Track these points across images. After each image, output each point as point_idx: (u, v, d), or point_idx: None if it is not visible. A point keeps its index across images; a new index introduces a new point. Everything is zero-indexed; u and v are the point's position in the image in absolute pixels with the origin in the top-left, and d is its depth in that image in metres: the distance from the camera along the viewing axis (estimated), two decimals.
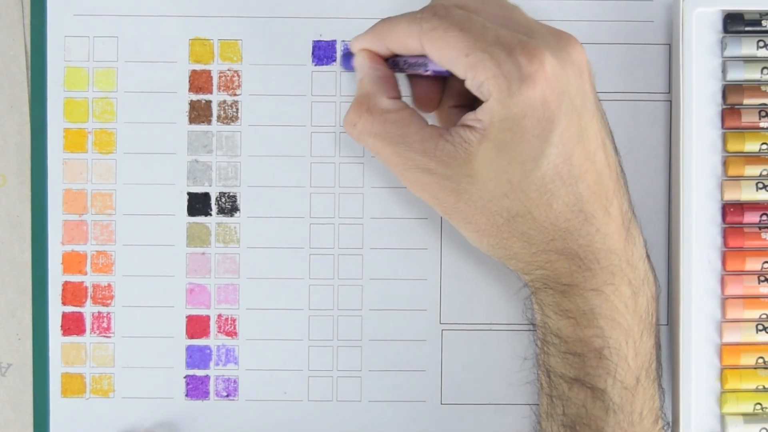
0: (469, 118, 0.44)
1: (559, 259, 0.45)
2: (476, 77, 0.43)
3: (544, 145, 0.43)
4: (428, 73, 0.46)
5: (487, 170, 0.44)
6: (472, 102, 0.46)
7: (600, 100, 0.46)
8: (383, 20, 0.46)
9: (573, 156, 0.43)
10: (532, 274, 0.46)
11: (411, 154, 0.45)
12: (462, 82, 0.44)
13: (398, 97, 0.47)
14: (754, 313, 0.53)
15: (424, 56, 0.46)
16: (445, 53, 0.44)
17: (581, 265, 0.45)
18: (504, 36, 0.43)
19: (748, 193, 0.53)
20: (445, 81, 0.48)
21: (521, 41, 0.43)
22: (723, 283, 0.53)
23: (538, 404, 0.48)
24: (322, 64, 0.55)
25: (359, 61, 0.47)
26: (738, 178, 0.53)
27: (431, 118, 0.48)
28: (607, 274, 0.45)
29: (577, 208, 0.44)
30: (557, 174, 0.43)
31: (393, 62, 0.47)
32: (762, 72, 0.53)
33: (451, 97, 0.48)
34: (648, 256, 0.47)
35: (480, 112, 0.43)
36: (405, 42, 0.45)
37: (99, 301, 0.55)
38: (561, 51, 0.43)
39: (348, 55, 0.48)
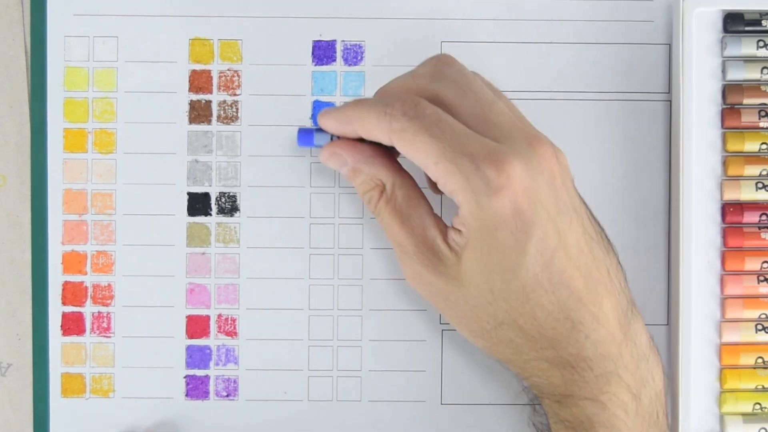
0: (457, 222, 0.43)
1: (550, 369, 0.44)
2: (446, 186, 0.42)
3: (521, 255, 0.42)
4: None
5: (470, 277, 0.43)
6: None
7: (583, 203, 0.45)
8: (353, 103, 0.45)
9: (552, 264, 0.42)
10: (529, 380, 0.45)
11: (413, 239, 0.45)
12: None
13: (401, 171, 0.47)
14: (754, 313, 0.53)
15: None
16: (415, 156, 0.43)
17: (574, 374, 0.43)
18: (472, 145, 0.42)
19: (747, 193, 0.53)
20: None
21: (490, 152, 0.42)
22: (722, 283, 0.53)
23: None
24: (322, 64, 0.55)
25: (339, 158, 0.46)
26: (738, 178, 0.53)
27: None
28: (602, 383, 0.43)
29: (562, 315, 0.43)
30: (537, 283, 0.42)
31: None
32: (762, 72, 0.53)
33: None
34: (654, 351, 0.46)
35: (462, 218, 0.43)
36: (375, 134, 0.44)
37: (99, 301, 0.55)
38: (531, 159, 0.42)
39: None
